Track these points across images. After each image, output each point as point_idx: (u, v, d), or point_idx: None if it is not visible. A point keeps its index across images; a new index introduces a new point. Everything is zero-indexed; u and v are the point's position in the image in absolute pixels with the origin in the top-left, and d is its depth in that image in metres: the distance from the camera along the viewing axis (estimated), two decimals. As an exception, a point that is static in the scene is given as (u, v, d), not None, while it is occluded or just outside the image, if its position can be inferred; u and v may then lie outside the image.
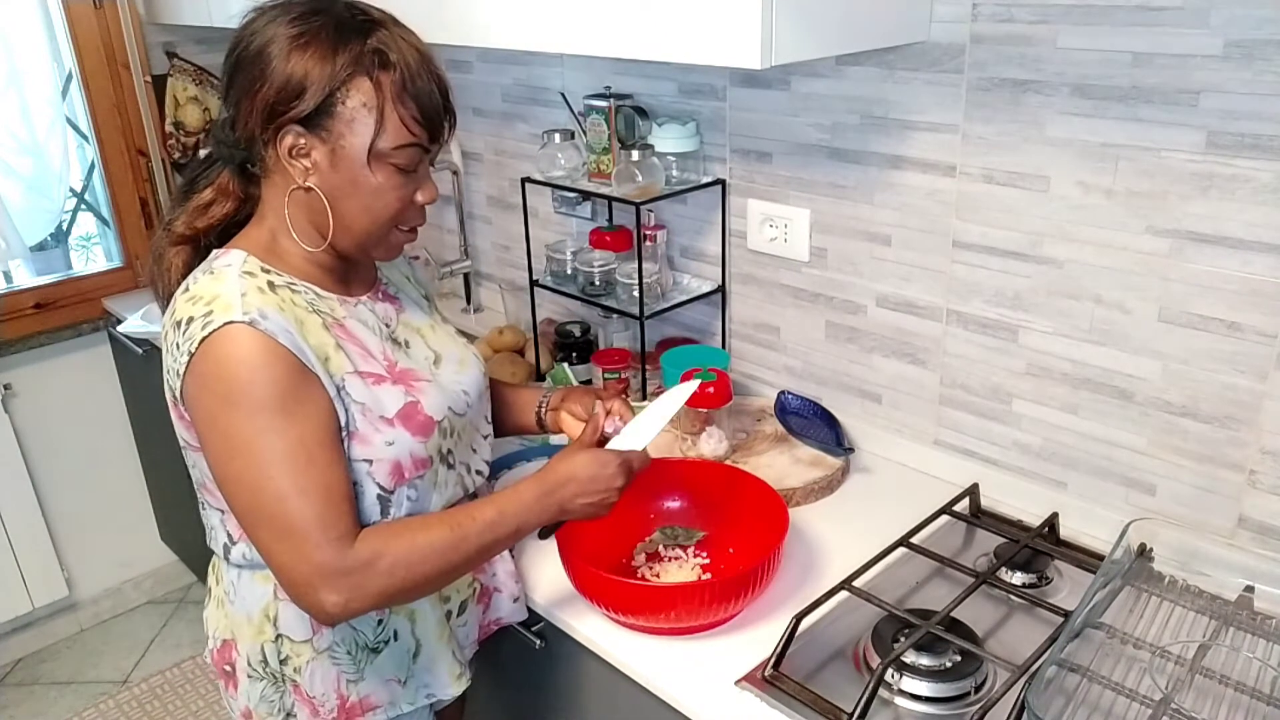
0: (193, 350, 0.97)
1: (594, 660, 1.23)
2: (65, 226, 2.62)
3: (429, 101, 1.01)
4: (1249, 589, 1.16)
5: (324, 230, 1.05)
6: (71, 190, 2.57)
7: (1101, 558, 1.25)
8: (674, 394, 1.20)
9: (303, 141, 1.00)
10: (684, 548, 1.35)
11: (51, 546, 2.59)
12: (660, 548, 1.35)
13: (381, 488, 1.05)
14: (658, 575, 1.31)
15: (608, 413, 1.18)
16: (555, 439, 1.52)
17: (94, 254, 2.68)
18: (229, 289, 1.00)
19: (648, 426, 1.17)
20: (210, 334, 0.96)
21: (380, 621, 1.13)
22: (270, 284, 1.03)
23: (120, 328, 2.42)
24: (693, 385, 1.22)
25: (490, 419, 1.27)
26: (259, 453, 0.96)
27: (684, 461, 1.46)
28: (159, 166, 2.58)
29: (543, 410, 1.32)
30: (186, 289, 1.03)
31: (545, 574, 1.31)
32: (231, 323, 0.96)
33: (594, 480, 1.10)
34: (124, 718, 2.42)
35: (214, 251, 1.08)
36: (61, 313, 2.51)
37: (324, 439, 1.00)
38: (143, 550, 2.81)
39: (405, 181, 1.04)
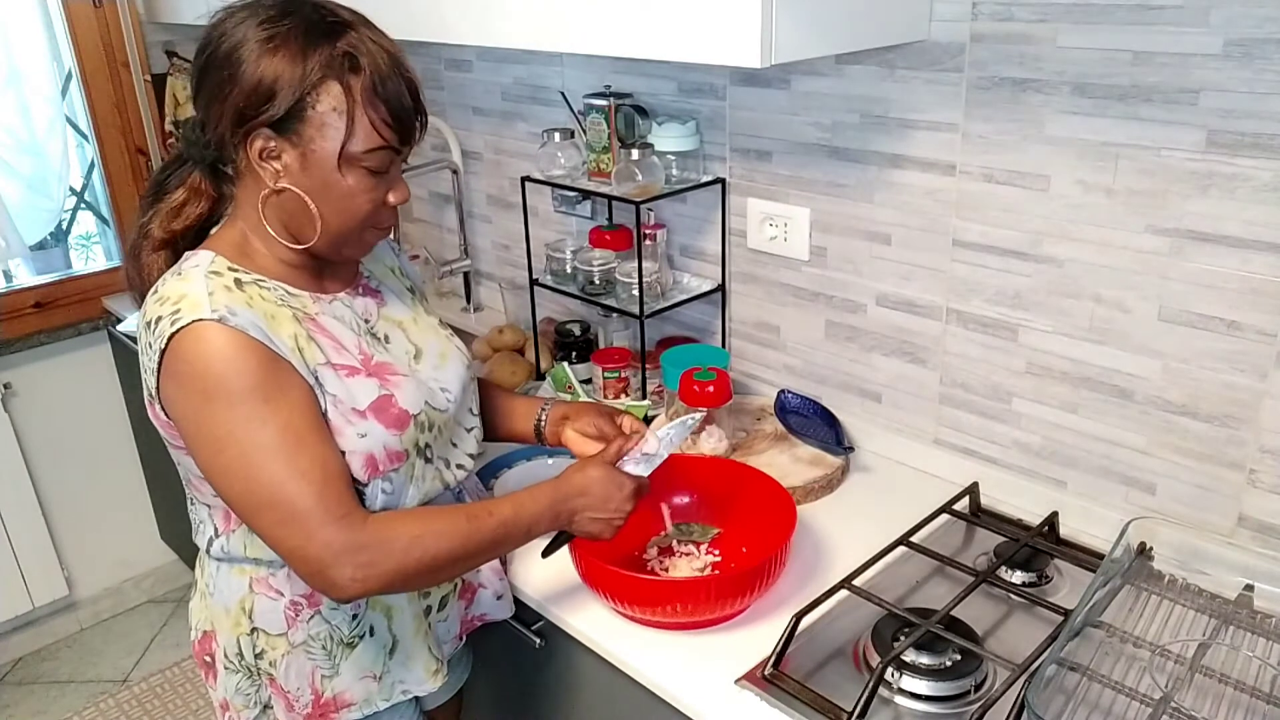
0: (163, 348, 0.97)
1: (593, 659, 1.23)
2: (65, 226, 2.62)
3: (399, 104, 1.01)
4: (1249, 588, 1.16)
5: (297, 231, 1.05)
6: (71, 189, 2.57)
7: (1101, 556, 1.25)
8: (680, 425, 1.21)
9: (273, 145, 1.00)
10: (697, 544, 1.35)
11: (51, 546, 2.59)
12: (674, 542, 1.36)
13: (355, 480, 1.05)
14: (667, 570, 1.31)
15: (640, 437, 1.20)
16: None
17: (94, 253, 2.68)
18: (195, 288, 0.99)
19: (655, 455, 1.18)
20: (179, 330, 0.96)
21: (356, 616, 1.14)
22: (237, 281, 1.03)
23: (120, 327, 2.42)
24: (698, 416, 1.26)
25: (476, 413, 1.26)
26: (247, 443, 0.96)
27: (698, 459, 1.45)
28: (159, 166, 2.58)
29: (542, 422, 1.32)
30: (156, 291, 1.03)
31: (545, 572, 1.31)
32: (200, 320, 0.96)
33: (607, 499, 1.12)
34: (124, 717, 2.42)
35: (185, 254, 1.08)
36: (61, 312, 2.51)
37: (311, 421, 1.00)
38: (143, 549, 2.81)
39: (377, 183, 1.03)
